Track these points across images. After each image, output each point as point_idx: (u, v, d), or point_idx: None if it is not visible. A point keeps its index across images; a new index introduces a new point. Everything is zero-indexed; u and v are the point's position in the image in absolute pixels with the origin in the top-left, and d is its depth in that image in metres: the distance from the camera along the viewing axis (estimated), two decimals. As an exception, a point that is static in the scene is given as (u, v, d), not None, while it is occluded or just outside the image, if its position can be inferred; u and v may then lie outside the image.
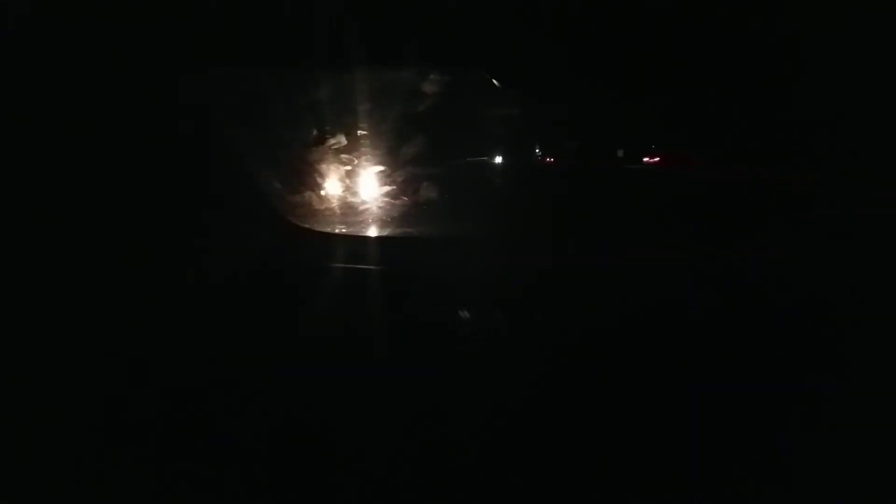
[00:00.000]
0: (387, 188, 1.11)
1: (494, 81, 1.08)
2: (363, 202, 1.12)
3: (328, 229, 1.11)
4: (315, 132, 1.09)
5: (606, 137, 1.14)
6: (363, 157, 1.10)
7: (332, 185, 1.12)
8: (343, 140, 1.09)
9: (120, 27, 1.06)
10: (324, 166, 1.11)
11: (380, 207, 1.12)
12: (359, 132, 1.09)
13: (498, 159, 1.14)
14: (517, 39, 1.06)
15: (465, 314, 1.11)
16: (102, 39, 1.06)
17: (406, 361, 1.07)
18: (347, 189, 1.12)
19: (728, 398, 1.08)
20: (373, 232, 1.13)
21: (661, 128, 1.12)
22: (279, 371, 1.08)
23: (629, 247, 1.11)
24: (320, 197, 1.13)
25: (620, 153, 1.14)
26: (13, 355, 1.16)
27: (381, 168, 1.10)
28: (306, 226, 1.09)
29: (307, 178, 1.11)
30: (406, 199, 1.10)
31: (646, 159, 1.13)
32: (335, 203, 1.13)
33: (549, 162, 1.14)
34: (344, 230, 1.11)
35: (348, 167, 1.11)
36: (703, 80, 1.10)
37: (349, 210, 1.12)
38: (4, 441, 1.17)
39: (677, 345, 1.08)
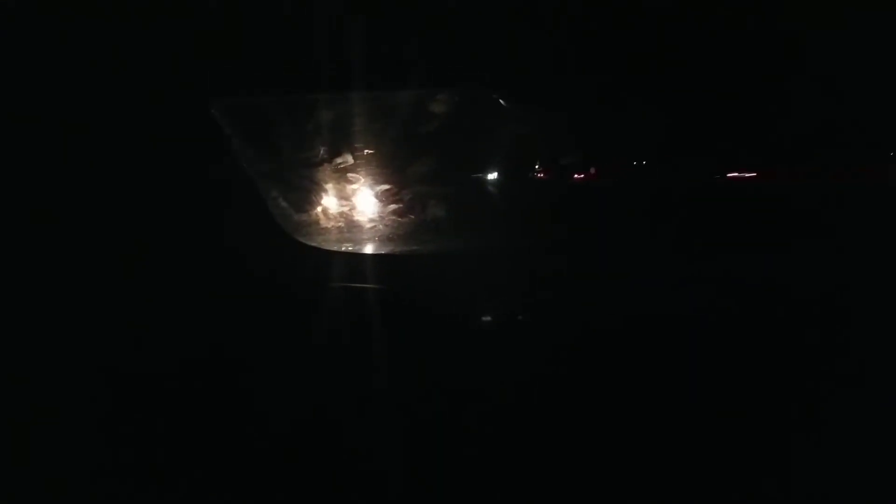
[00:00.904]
0: (394, 206, 1.13)
1: (500, 100, 1.10)
2: (371, 220, 1.14)
3: (335, 247, 1.13)
4: (324, 153, 1.11)
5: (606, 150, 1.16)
6: (371, 177, 1.12)
7: (340, 204, 1.14)
8: (350, 159, 1.11)
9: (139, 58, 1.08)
10: (333, 185, 1.13)
11: (386, 225, 1.14)
12: (366, 151, 1.11)
13: (503, 175, 1.16)
14: (521, 58, 1.07)
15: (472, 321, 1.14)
16: (129, 65, 1.08)
17: (412, 370, 1.10)
18: (354, 208, 1.14)
19: (728, 399, 1.09)
20: (382, 249, 1.15)
21: (659, 134, 1.14)
22: (290, 380, 1.10)
23: (629, 251, 1.13)
24: (328, 215, 1.15)
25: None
26: (13, 355, 1.16)
27: (389, 186, 1.12)
28: (313, 244, 1.11)
29: (316, 197, 1.13)
30: (413, 216, 1.13)
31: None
32: (342, 221, 1.15)
33: (542, 177, 1.16)
34: (351, 248, 1.14)
35: (356, 185, 1.13)
36: (703, 87, 1.11)
37: (356, 227, 1.15)
38: (4, 441, 1.17)
39: (677, 347, 1.10)
